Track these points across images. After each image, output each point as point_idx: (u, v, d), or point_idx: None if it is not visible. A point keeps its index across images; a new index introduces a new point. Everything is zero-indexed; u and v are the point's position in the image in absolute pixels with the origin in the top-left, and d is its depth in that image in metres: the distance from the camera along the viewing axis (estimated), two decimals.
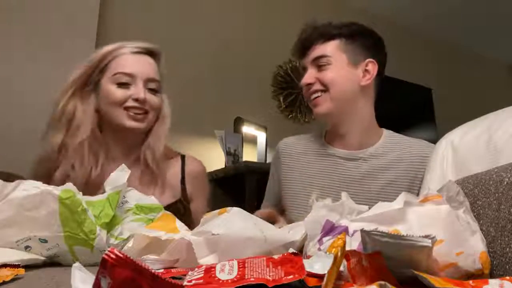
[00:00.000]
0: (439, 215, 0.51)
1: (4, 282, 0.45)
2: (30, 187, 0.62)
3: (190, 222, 0.94)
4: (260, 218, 0.72)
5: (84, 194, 0.66)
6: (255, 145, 2.51)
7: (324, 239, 0.55)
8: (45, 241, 0.61)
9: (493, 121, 0.81)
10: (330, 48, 1.11)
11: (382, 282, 0.34)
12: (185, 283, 0.38)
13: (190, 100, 2.39)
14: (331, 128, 1.18)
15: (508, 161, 0.64)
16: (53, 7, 1.99)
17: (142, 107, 1.01)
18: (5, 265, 0.51)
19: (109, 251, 0.31)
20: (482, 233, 0.54)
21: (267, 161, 2.35)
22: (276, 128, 2.62)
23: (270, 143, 2.40)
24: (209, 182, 1.20)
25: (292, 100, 2.93)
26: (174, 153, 1.14)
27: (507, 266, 0.52)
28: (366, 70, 1.11)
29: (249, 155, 2.48)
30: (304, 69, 1.15)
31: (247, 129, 2.46)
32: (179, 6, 2.56)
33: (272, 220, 1.00)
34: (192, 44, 2.55)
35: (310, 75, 1.12)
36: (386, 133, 1.18)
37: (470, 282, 0.40)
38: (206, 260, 0.52)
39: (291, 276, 0.38)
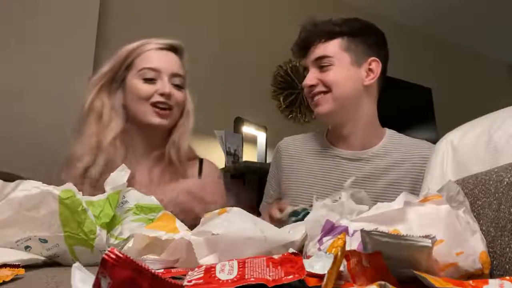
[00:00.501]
0: (439, 215, 0.51)
1: (4, 282, 0.45)
2: (30, 187, 0.62)
3: None
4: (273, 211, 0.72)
5: None
6: (255, 145, 2.51)
7: (324, 239, 0.54)
8: (45, 241, 0.61)
9: (493, 121, 0.81)
10: (332, 48, 1.08)
11: (382, 282, 0.34)
12: (185, 283, 0.38)
13: None
14: (333, 128, 1.16)
15: (508, 161, 0.64)
16: (53, 7, 1.99)
17: (167, 102, 1.02)
18: (5, 265, 0.51)
19: (109, 251, 0.31)
20: (482, 233, 0.54)
21: (267, 161, 2.35)
22: (276, 128, 2.62)
23: (270, 143, 2.40)
24: None
25: (292, 100, 2.93)
26: (195, 155, 1.15)
27: (507, 266, 0.52)
28: (369, 69, 1.09)
29: (249, 155, 2.48)
30: (305, 69, 1.13)
31: (247, 129, 2.46)
32: (179, 6, 2.56)
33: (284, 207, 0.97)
34: (192, 44, 2.54)
35: (312, 77, 1.09)
36: (389, 132, 1.16)
37: (470, 282, 0.40)
38: (206, 260, 0.52)
39: (291, 276, 0.38)
